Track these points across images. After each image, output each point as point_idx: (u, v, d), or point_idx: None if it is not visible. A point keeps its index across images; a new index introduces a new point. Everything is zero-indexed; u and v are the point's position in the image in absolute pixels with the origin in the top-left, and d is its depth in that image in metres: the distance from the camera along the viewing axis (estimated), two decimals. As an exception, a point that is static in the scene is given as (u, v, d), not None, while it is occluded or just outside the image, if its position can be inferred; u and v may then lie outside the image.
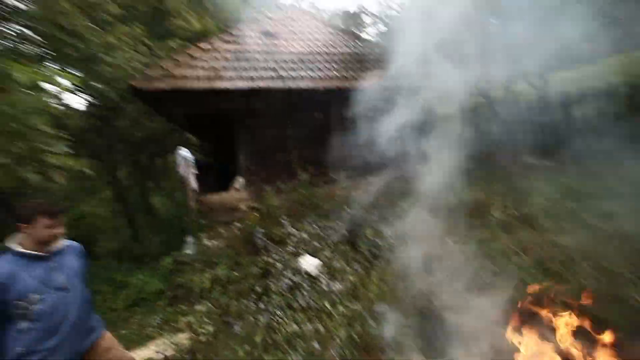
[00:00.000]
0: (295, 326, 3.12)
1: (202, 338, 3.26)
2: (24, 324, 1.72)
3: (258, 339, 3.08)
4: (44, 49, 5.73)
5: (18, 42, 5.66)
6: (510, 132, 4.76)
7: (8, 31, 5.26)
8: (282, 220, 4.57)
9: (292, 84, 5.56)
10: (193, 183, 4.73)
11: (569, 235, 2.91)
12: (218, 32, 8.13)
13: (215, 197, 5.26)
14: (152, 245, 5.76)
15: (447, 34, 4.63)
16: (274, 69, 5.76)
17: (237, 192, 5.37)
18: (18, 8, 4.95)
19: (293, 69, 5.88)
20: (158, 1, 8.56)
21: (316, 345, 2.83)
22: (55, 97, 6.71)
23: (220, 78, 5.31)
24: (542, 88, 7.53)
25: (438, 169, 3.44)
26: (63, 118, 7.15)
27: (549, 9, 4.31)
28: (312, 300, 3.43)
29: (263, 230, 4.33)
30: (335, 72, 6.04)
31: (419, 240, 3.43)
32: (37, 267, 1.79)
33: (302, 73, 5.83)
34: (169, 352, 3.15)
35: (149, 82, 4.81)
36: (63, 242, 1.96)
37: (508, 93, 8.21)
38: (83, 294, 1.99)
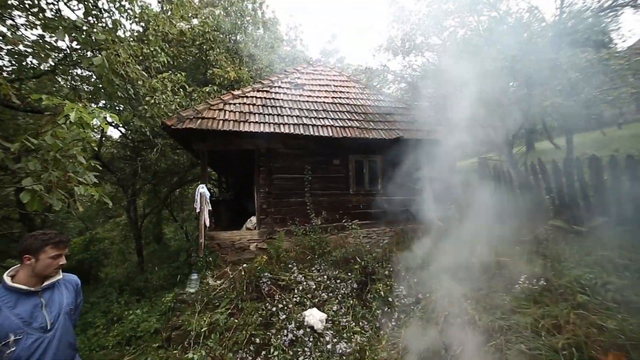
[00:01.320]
0: (292, 390, 2.81)
1: (190, 392, 2.98)
2: None
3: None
4: (98, 89, 6.45)
5: (79, 83, 6.44)
6: (538, 193, 4.60)
7: (74, 74, 6.07)
8: (291, 266, 4.41)
9: (313, 131, 5.82)
10: (206, 219, 4.77)
11: (611, 315, 2.57)
12: (251, 81, 8.91)
13: (226, 235, 5.22)
14: (155, 277, 5.63)
15: (467, 94, 4.83)
16: (298, 117, 6.10)
17: (249, 231, 5.32)
18: (85, 56, 5.71)
19: (316, 118, 6.20)
20: (201, 52, 9.64)
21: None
22: (96, 129, 7.34)
23: (247, 122, 5.65)
24: (569, 149, 7.45)
25: (457, 225, 3.30)
26: (97, 146, 7.71)
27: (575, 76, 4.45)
28: (314, 360, 3.12)
29: (270, 275, 4.17)
30: (356, 123, 6.30)
31: (435, 303, 3.16)
32: (25, 304, 1.72)
33: (325, 122, 6.12)
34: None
35: (181, 122, 5.17)
36: (59, 276, 1.89)
37: (533, 152, 8.17)
38: (66, 336, 1.85)
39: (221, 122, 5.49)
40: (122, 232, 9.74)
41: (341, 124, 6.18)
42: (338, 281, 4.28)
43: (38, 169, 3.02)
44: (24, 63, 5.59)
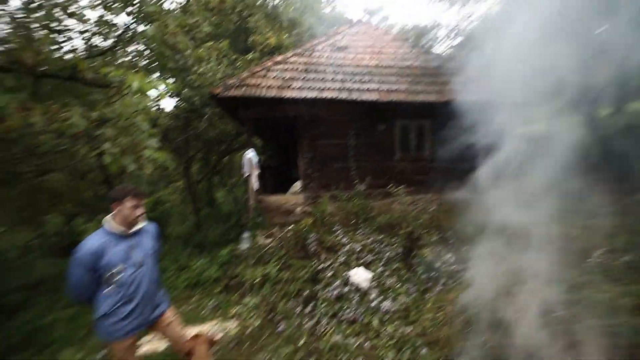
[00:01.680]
0: (339, 337, 3.03)
1: (249, 330, 3.37)
2: (108, 290, 2.02)
3: (301, 342, 3.07)
4: (151, 62, 6.88)
5: (136, 58, 6.91)
6: (608, 159, 4.02)
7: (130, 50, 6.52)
8: (335, 229, 4.55)
9: (357, 96, 5.62)
10: (255, 183, 5.04)
11: None
12: (292, 47, 8.73)
13: (273, 198, 5.50)
14: (211, 235, 6.25)
15: (529, 50, 4.18)
16: (341, 81, 5.91)
17: (294, 196, 5.54)
18: (138, 31, 6.06)
19: (360, 82, 5.95)
20: (241, 20, 9.59)
21: (361, 361, 2.69)
22: (153, 100, 7.95)
23: (289, 88, 5.64)
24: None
25: (518, 193, 3.05)
26: (156, 118, 8.38)
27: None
28: (360, 314, 3.30)
29: (315, 236, 4.36)
30: (403, 86, 5.93)
31: (489, 272, 3.05)
32: (121, 244, 2.07)
33: (369, 85, 5.86)
34: (219, 336, 3.31)
35: (227, 90, 5.34)
36: (143, 223, 2.22)
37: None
38: (153, 272, 2.23)
39: (264, 89, 5.55)
40: (180, 196, 10.83)
41: (387, 88, 5.86)
42: (383, 245, 4.34)
43: (113, 135, 3.40)
44: (90, 42, 6.13)
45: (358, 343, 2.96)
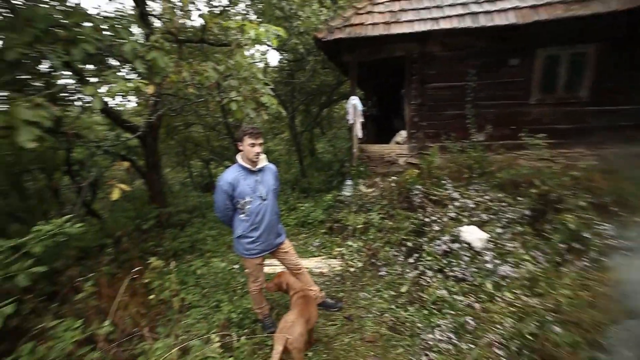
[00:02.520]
0: (445, 292, 2.90)
1: (352, 269, 3.61)
2: (241, 216, 2.42)
3: (403, 289, 3.09)
4: (260, 14, 7.19)
5: (247, 13, 7.34)
6: None
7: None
8: (444, 182, 4.13)
9: (485, 22, 4.48)
10: (359, 131, 4.94)
11: None
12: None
13: (375, 148, 5.33)
14: (315, 182, 6.73)
15: None
16: (463, 4, 4.79)
17: (398, 146, 5.22)
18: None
19: (489, 2, 4.68)
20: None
21: (470, 321, 2.52)
22: (263, 53, 8.48)
23: (397, 22, 4.94)
24: None
25: None
26: (265, 72, 9.01)
27: None
28: (470, 274, 3.03)
29: (421, 188, 4.07)
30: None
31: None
32: (250, 178, 2.38)
33: (503, 4, 4.55)
34: (325, 270, 3.69)
35: (330, 33, 5.09)
36: (264, 163, 2.46)
37: None
38: (275, 206, 2.53)
39: (369, 27, 5.05)
40: (285, 147, 11.90)
41: (530, 3, 4.44)
42: (503, 205, 3.72)
43: (236, 86, 3.78)
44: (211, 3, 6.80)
45: (467, 302, 2.77)
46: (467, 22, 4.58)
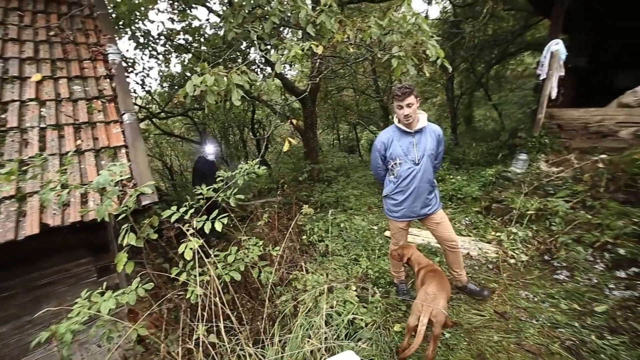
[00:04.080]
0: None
1: (512, 261, 2.96)
2: (391, 177, 2.35)
3: (600, 308, 2.25)
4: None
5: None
6: None
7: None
8: None
9: None
10: (554, 89, 3.64)
11: None
12: None
13: (576, 113, 3.83)
14: (472, 153, 5.76)
15: None
16: None
17: (623, 111, 3.55)
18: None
19: None
20: None
21: None
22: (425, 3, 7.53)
23: None
24: None
25: None
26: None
27: None
28: None
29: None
30: None
31: None
32: (404, 140, 2.22)
33: None
34: (473, 253, 3.21)
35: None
36: (424, 124, 2.19)
37: None
38: (427, 173, 2.25)
39: None
40: (437, 112, 10.73)
41: None
42: None
43: (399, 40, 3.51)
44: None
45: None
46: None
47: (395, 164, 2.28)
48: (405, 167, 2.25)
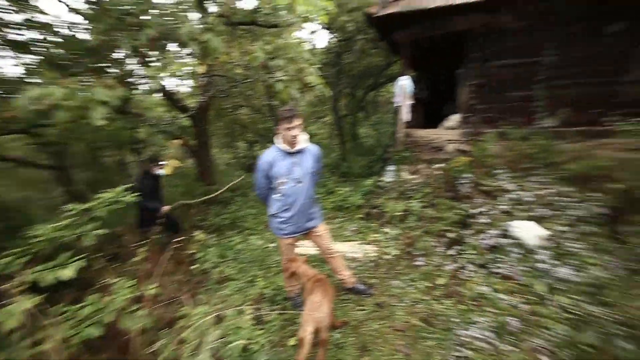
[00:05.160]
0: (487, 289, 2.66)
1: (386, 257, 3.50)
2: (276, 196, 2.44)
3: (440, 281, 2.91)
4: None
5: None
6: None
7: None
8: (498, 172, 3.72)
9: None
10: (406, 114, 4.63)
11: None
12: None
13: (422, 133, 4.99)
14: (355, 167, 6.60)
15: None
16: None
17: (448, 131, 4.82)
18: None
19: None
20: None
21: (514, 322, 2.29)
22: (312, 32, 8.39)
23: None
24: None
25: None
26: (312, 53, 8.91)
27: None
28: (519, 273, 2.73)
29: (471, 177, 3.73)
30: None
31: None
32: (286, 160, 2.35)
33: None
34: (359, 256, 3.64)
35: (383, 7, 4.77)
36: (305, 145, 2.39)
37: None
38: (310, 189, 2.47)
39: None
40: (327, 131, 11.84)
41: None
42: (570, 200, 3.24)
43: (283, 65, 3.77)
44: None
45: (512, 302, 2.51)
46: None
47: (279, 182, 2.40)
48: (290, 185, 2.39)
